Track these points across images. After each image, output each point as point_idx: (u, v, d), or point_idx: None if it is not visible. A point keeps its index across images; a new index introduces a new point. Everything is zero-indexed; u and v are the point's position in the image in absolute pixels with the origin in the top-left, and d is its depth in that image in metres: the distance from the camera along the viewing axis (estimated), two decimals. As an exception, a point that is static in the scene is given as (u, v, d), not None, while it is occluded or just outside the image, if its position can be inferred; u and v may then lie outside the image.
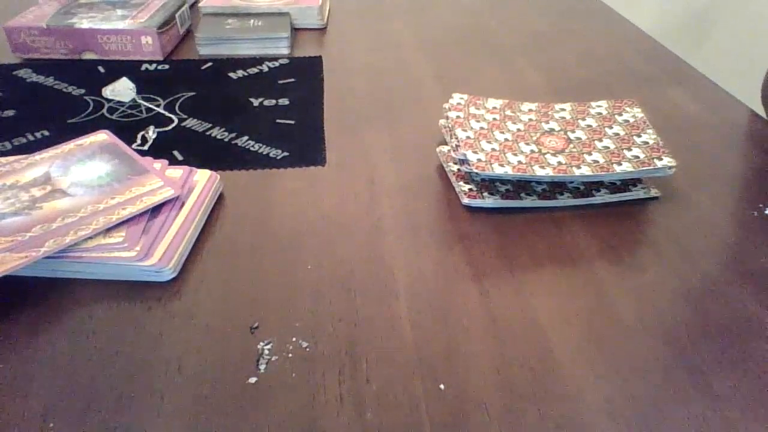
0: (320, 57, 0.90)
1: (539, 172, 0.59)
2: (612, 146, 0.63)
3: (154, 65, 0.88)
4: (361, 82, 0.84)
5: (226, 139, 0.70)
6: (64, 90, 0.81)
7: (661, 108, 0.77)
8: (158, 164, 0.60)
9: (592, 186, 0.61)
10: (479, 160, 0.59)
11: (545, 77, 0.85)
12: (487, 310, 0.48)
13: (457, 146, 0.62)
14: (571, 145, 0.63)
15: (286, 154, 0.68)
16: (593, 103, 0.70)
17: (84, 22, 0.88)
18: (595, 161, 0.61)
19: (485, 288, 0.50)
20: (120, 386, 0.42)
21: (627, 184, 0.62)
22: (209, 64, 0.88)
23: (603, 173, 0.59)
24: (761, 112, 0.79)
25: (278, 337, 0.46)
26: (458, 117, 0.66)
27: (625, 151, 0.62)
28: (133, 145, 0.69)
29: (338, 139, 0.71)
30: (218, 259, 0.53)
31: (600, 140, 0.64)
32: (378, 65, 0.89)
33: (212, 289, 0.50)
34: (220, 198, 0.61)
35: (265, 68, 0.87)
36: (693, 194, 0.62)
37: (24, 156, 0.61)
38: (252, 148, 0.69)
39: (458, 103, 0.69)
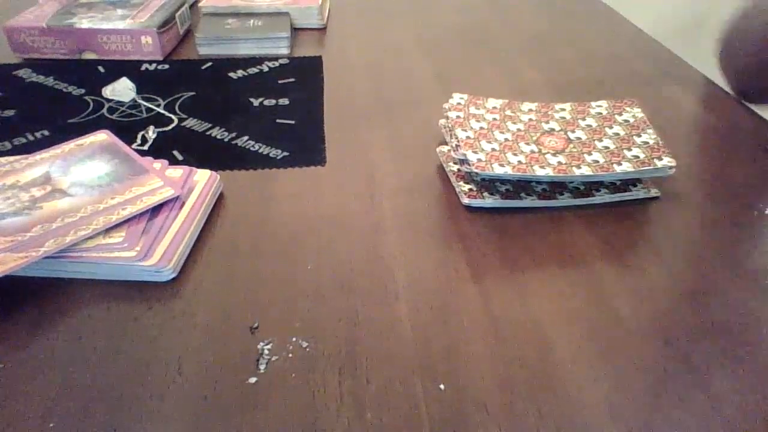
0: (320, 57, 0.90)
1: (539, 172, 0.59)
2: (612, 146, 0.63)
3: (154, 65, 0.88)
4: (361, 82, 0.84)
5: (226, 139, 0.70)
6: (64, 90, 0.81)
7: (661, 108, 0.77)
8: (158, 164, 0.60)
9: (592, 186, 0.61)
10: (479, 160, 0.59)
11: (545, 77, 0.85)
12: (487, 310, 0.48)
13: (457, 146, 0.62)
14: (571, 145, 0.63)
15: (286, 154, 0.68)
16: (593, 103, 0.70)
17: (84, 22, 0.88)
18: (595, 161, 0.61)
19: (485, 288, 0.50)
20: (120, 386, 0.42)
21: (627, 184, 0.62)
22: (209, 64, 0.88)
23: (603, 173, 0.59)
24: (762, 111, 0.79)
25: (278, 337, 0.46)
26: (458, 117, 0.66)
27: (625, 151, 0.62)
28: (133, 145, 0.69)
29: (338, 139, 0.71)
30: (218, 259, 0.53)
31: (600, 140, 0.64)
32: (378, 65, 0.89)
33: (212, 289, 0.50)
34: (220, 198, 0.61)
35: (265, 68, 0.87)
36: (693, 194, 0.62)
37: (24, 156, 0.61)
38: (252, 148, 0.69)
39: (458, 103, 0.69)
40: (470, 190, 0.60)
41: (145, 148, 0.69)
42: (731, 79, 0.80)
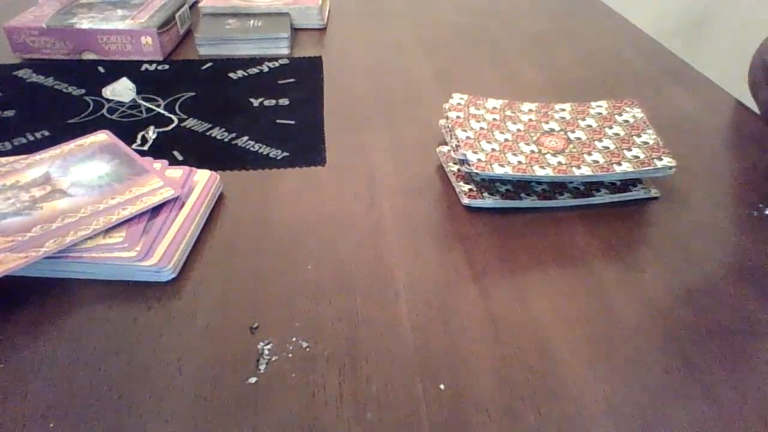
0: (320, 57, 0.90)
1: (539, 172, 0.59)
2: (612, 146, 0.63)
3: (154, 65, 0.88)
4: (361, 82, 0.84)
5: (226, 139, 0.70)
6: (64, 90, 0.81)
7: (661, 108, 0.77)
8: (158, 164, 0.60)
9: (592, 186, 0.61)
10: (479, 160, 0.59)
11: (545, 77, 0.85)
12: (487, 310, 0.48)
13: (457, 146, 0.62)
14: (571, 146, 0.63)
15: (286, 154, 0.68)
16: (593, 103, 0.70)
17: (84, 22, 0.88)
18: (595, 161, 0.61)
19: (485, 288, 0.50)
20: (120, 386, 0.42)
21: (627, 184, 0.62)
22: (209, 64, 0.88)
23: (603, 173, 0.59)
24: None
25: (278, 337, 0.46)
26: (458, 117, 0.66)
27: (625, 152, 0.62)
28: (133, 145, 0.69)
29: (338, 140, 0.71)
30: (218, 259, 0.53)
31: (600, 140, 0.64)
32: (378, 65, 0.89)
33: (212, 289, 0.50)
34: (220, 198, 0.61)
35: (265, 68, 0.87)
36: (693, 194, 0.62)
37: (24, 156, 0.61)
38: (252, 148, 0.69)
39: (458, 104, 0.69)
40: (470, 190, 0.60)
41: (145, 148, 0.69)
42: (759, 107, 0.80)
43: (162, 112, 0.76)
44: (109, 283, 0.51)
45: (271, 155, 0.68)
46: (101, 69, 0.87)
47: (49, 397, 0.42)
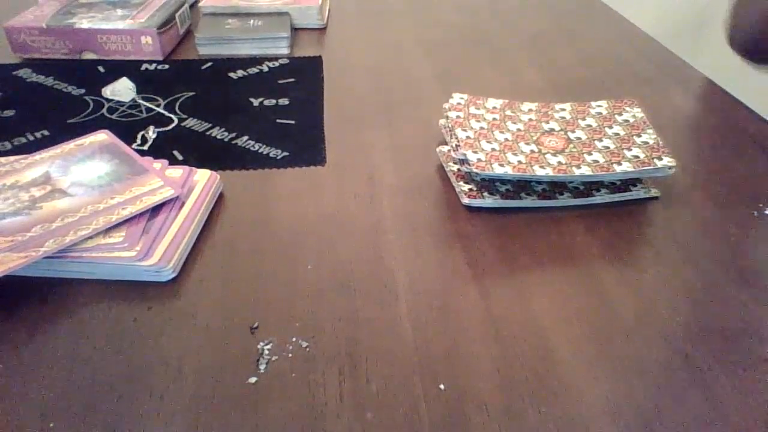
0: (320, 57, 0.90)
1: (539, 171, 0.59)
2: (612, 146, 0.63)
3: (154, 65, 0.88)
4: (361, 82, 0.84)
5: (226, 139, 0.70)
6: (64, 90, 0.81)
7: (661, 108, 0.77)
8: (158, 164, 0.60)
9: (592, 186, 0.61)
10: (479, 159, 0.59)
11: (545, 77, 0.85)
12: (487, 310, 0.48)
13: (457, 146, 0.62)
14: (571, 145, 0.63)
15: (286, 154, 0.68)
16: (593, 103, 0.70)
17: (84, 22, 0.88)
18: (595, 161, 0.61)
19: (485, 288, 0.50)
20: (120, 386, 0.42)
21: (627, 184, 0.62)
22: (209, 64, 0.88)
23: (603, 173, 0.59)
24: (762, 112, 0.79)
25: (278, 337, 0.46)
26: (458, 117, 0.66)
27: (625, 151, 0.62)
28: (133, 145, 0.69)
29: (338, 139, 0.71)
30: (218, 259, 0.53)
31: (600, 140, 0.64)
32: (378, 65, 0.89)
33: (212, 289, 0.50)
34: (220, 198, 0.61)
35: (265, 68, 0.87)
36: (693, 194, 0.62)
37: (24, 156, 0.61)
38: (252, 148, 0.69)
39: (458, 103, 0.69)
40: (470, 190, 0.60)
41: (145, 148, 0.69)
42: (741, 40, 0.78)
43: (162, 111, 0.76)
44: (109, 283, 0.51)
45: (271, 155, 0.68)
46: (101, 69, 0.87)
47: (49, 397, 0.42)
